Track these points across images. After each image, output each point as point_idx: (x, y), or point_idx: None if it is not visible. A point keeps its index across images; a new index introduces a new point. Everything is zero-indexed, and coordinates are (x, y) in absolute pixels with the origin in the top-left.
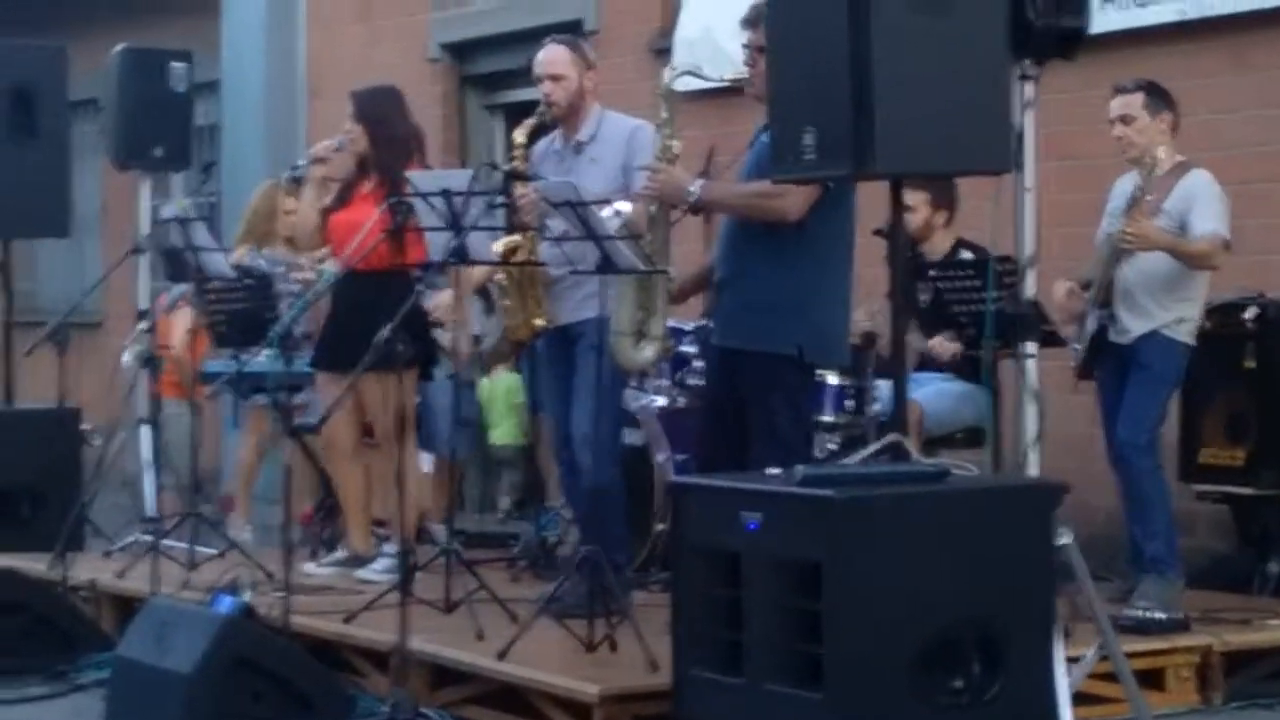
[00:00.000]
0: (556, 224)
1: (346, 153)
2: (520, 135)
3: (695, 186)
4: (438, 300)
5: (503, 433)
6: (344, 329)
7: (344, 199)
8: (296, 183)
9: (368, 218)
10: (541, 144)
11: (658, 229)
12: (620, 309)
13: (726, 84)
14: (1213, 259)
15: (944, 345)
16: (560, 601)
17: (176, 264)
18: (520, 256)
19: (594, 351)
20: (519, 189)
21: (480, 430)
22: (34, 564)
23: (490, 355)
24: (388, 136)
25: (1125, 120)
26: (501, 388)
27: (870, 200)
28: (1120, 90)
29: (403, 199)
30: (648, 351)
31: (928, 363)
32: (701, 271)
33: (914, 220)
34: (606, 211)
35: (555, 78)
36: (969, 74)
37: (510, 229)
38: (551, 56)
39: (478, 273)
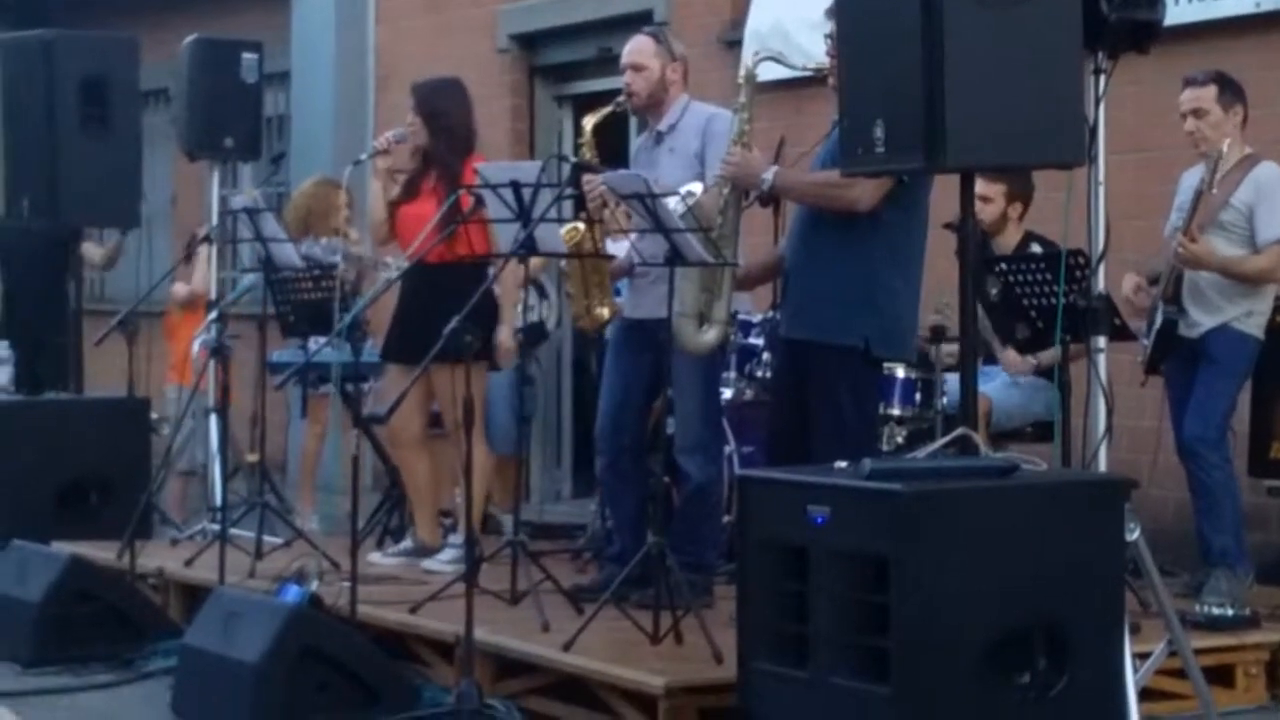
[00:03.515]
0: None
1: (408, 145)
2: (589, 123)
3: (769, 173)
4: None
5: None
6: (413, 320)
7: (411, 192)
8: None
9: (434, 211)
10: (640, 137)
11: (728, 214)
12: (684, 290)
13: (806, 73)
14: (1273, 274)
15: (1016, 361)
16: (625, 593)
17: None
18: (583, 246)
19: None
20: (586, 178)
21: None
22: (102, 552)
23: None
24: (447, 129)
25: (1198, 114)
26: None
27: (943, 192)
28: (1191, 82)
29: (472, 189)
30: (710, 335)
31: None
32: (769, 260)
33: (989, 212)
34: (682, 190)
35: (637, 68)
36: (1042, 66)
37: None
38: (635, 46)
39: (530, 263)
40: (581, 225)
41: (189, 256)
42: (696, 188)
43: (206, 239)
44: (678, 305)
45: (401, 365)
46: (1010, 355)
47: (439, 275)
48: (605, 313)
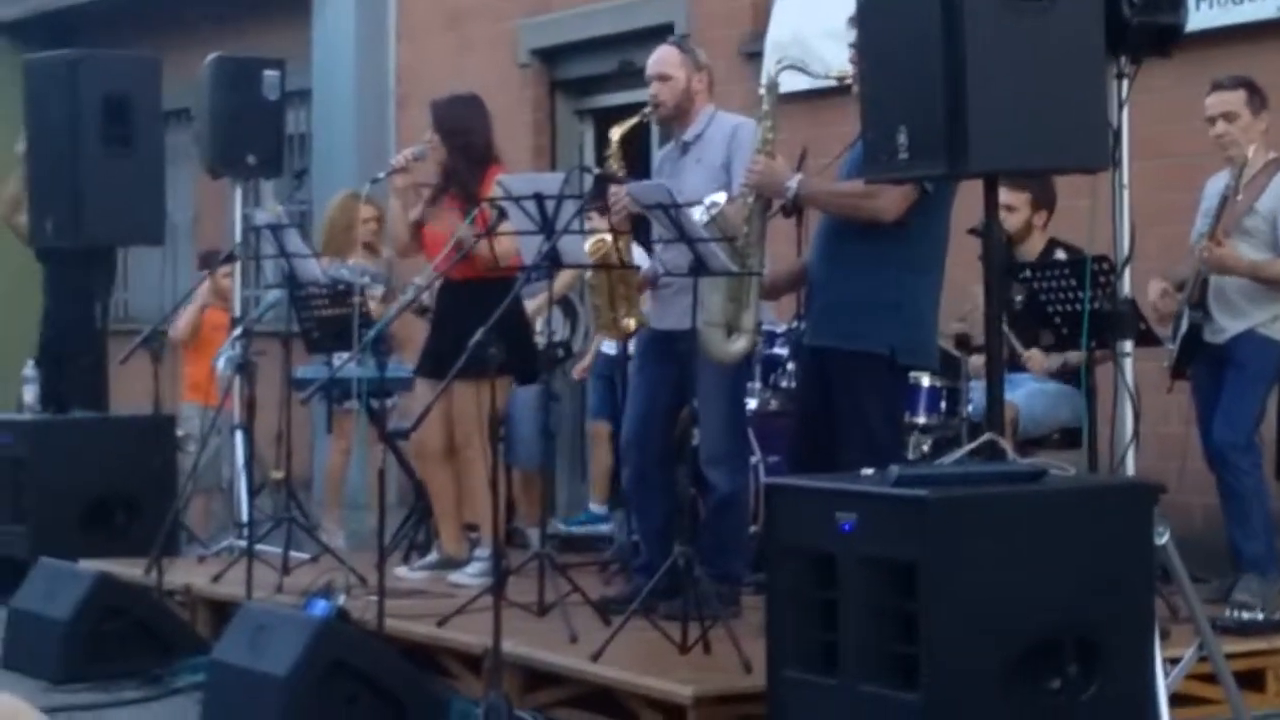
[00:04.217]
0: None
1: (430, 161)
2: (616, 134)
3: (794, 182)
4: (528, 306)
5: None
6: (442, 337)
7: (433, 211)
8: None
9: (456, 228)
10: (664, 148)
11: (753, 223)
12: (711, 299)
13: (829, 82)
14: None
15: (1041, 361)
16: (653, 604)
17: None
18: (609, 258)
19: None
20: (612, 190)
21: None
22: (130, 569)
23: None
24: (463, 145)
25: (1228, 118)
26: None
27: (965, 199)
28: (1219, 87)
29: (494, 201)
30: (739, 344)
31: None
32: (794, 269)
33: (1014, 221)
34: (706, 201)
35: (662, 78)
36: (1065, 71)
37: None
38: (660, 57)
39: (560, 281)
40: (608, 237)
41: (211, 274)
42: (721, 198)
43: (229, 258)
44: (705, 315)
45: (430, 381)
46: (1035, 355)
47: (466, 292)
48: (632, 324)
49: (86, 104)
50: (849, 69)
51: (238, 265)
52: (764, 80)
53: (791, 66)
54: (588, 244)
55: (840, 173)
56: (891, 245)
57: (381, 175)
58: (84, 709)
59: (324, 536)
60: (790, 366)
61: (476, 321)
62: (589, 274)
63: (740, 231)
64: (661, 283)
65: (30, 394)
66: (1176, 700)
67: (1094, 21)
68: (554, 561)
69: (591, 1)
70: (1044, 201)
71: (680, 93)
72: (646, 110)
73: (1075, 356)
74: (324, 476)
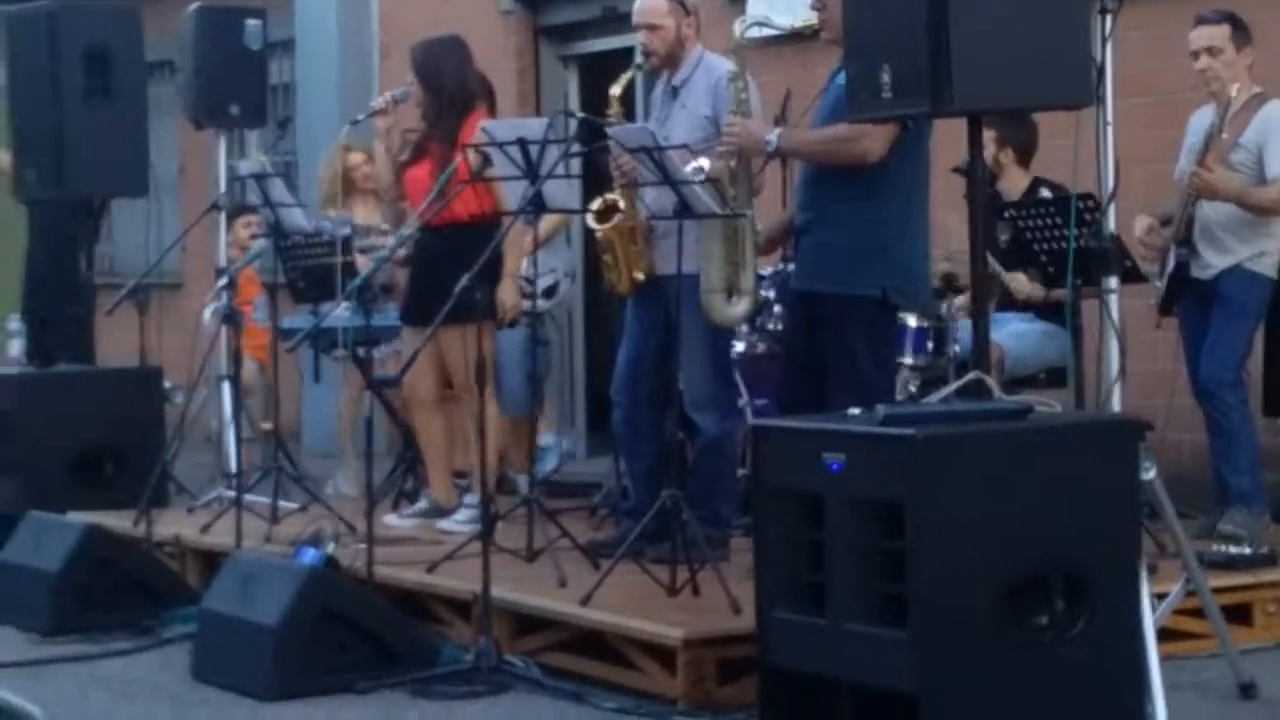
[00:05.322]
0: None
1: (412, 104)
2: (616, 90)
3: (773, 136)
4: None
5: None
6: (426, 283)
7: (418, 154)
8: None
9: (434, 171)
10: (656, 88)
11: (741, 182)
12: (710, 265)
13: (797, 31)
14: None
15: (1025, 285)
16: (641, 547)
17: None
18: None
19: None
20: (615, 154)
21: None
22: (119, 521)
23: None
24: (438, 88)
25: (1211, 52)
26: None
27: (945, 138)
28: (1203, 21)
29: (478, 147)
30: (741, 306)
31: (1008, 302)
32: (787, 220)
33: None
34: (689, 168)
35: (652, 27)
36: (1048, 6)
37: (591, 180)
38: (648, 5)
39: (546, 226)
40: (617, 195)
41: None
42: (705, 163)
43: (214, 208)
44: (705, 283)
45: (416, 328)
46: (1020, 278)
47: (447, 237)
48: (642, 276)
49: (67, 55)
50: (812, 17)
51: (222, 216)
52: (732, 41)
53: (756, 24)
54: (596, 204)
55: (816, 117)
56: (875, 186)
57: (361, 117)
58: (75, 660)
59: (329, 488)
60: (777, 309)
61: (453, 265)
62: (588, 229)
63: (728, 194)
64: (658, 228)
65: (16, 347)
66: (1164, 635)
67: None
68: (542, 506)
69: None
70: (1013, 138)
71: (671, 41)
72: (639, 61)
73: (1058, 291)
74: (336, 428)
